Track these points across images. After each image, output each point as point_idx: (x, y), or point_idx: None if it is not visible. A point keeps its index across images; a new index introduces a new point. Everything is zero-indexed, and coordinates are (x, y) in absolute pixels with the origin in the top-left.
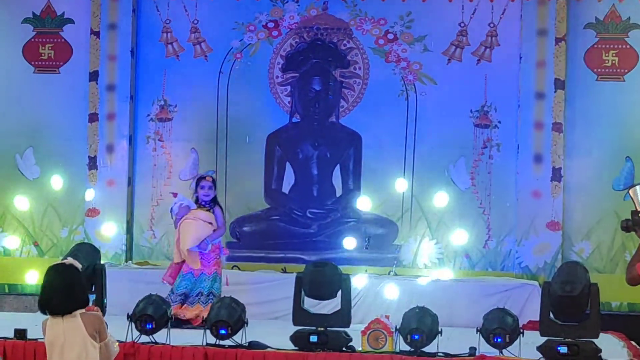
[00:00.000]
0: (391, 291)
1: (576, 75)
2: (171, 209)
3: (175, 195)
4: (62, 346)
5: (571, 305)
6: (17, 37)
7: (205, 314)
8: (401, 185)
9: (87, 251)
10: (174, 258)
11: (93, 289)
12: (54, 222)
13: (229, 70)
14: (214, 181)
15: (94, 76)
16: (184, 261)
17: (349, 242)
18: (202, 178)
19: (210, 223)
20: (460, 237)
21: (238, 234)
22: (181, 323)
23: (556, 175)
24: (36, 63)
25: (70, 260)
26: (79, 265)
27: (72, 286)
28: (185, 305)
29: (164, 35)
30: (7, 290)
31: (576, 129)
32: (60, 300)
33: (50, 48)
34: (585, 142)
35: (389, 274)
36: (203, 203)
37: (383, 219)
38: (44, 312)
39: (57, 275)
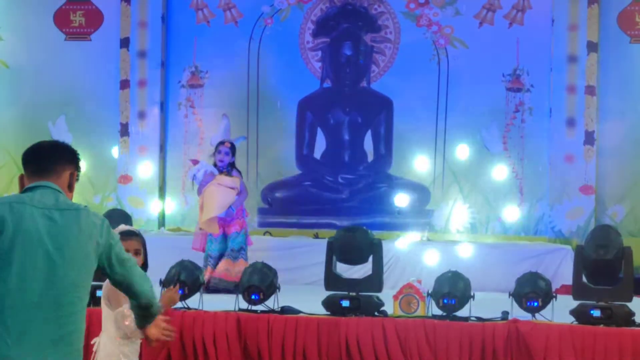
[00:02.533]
0: (424, 256)
1: (609, 38)
2: (194, 175)
3: (195, 162)
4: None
5: (604, 268)
6: (48, 4)
7: (235, 269)
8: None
9: (118, 217)
10: (200, 224)
11: None
12: (87, 189)
13: (259, 36)
14: (232, 147)
15: (125, 43)
16: None
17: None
18: (221, 143)
19: (234, 188)
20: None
21: (270, 200)
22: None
23: (589, 138)
24: (67, 30)
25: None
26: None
27: None
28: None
29: (195, 2)
30: None
31: (609, 92)
32: None
33: (81, 15)
34: (619, 105)
35: (421, 238)
36: (220, 168)
37: (415, 184)
38: None
39: None
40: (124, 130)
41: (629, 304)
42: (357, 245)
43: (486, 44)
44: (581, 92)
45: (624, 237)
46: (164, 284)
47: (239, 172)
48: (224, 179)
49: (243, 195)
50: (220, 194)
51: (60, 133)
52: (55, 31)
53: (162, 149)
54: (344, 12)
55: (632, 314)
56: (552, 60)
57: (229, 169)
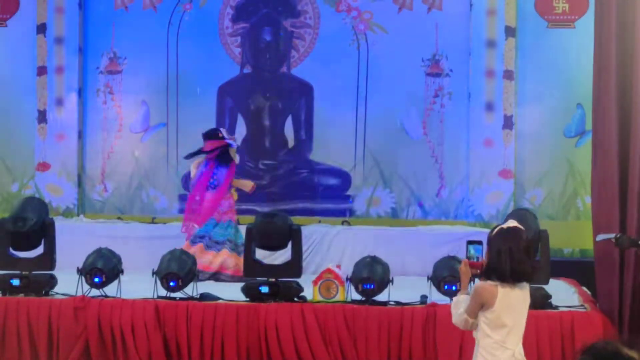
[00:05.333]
0: (344, 241)
1: (527, 23)
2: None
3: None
4: None
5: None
6: None
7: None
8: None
9: (35, 205)
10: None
11: (42, 244)
12: (4, 177)
13: (178, 22)
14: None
15: (41, 29)
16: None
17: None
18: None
19: None
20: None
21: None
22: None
23: (508, 123)
24: None
25: None
26: None
27: None
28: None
29: None
30: None
31: (527, 77)
32: None
33: None
34: (537, 89)
35: (342, 224)
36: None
37: (336, 170)
38: None
39: None
40: (42, 117)
41: (545, 287)
42: (275, 231)
43: (405, 29)
44: (499, 77)
45: (542, 220)
46: (81, 271)
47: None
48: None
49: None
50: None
51: None
52: None
53: (81, 135)
54: None
55: (549, 296)
56: (470, 45)
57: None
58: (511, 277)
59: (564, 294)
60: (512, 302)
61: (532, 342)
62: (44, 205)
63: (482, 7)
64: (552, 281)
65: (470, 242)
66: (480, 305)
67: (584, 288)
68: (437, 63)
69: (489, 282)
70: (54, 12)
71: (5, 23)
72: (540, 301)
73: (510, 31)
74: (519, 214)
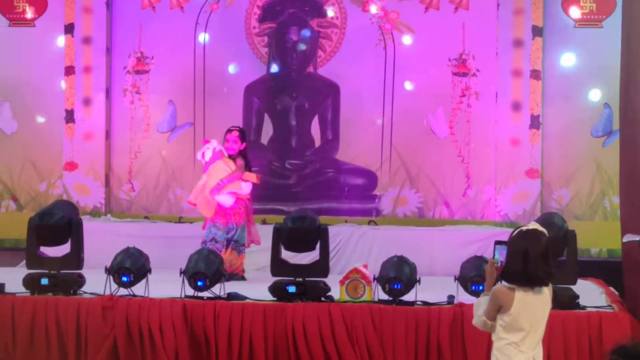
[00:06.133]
0: (371, 241)
1: (554, 22)
2: (202, 153)
3: (207, 141)
4: None
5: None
6: None
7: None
8: None
9: (64, 204)
10: (191, 197)
11: (70, 242)
12: (32, 177)
13: (205, 21)
14: (241, 134)
15: (69, 29)
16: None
17: None
18: (228, 131)
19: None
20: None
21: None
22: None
23: (535, 122)
24: (11, 16)
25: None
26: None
27: None
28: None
29: None
30: None
31: (554, 76)
32: None
33: (24, 1)
34: (564, 89)
35: (368, 223)
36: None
37: (362, 169)
38: None
39: None
40: (69, 117)
41: (573, 287)
42: (304, 235)
43: (432, 29)
44: (526, 77)
45: (569, 220)
46: (110, 270)
47: (244, 159)
48: (230, 163)
49: (235, 173)
50: (223, 173)
51: (5, 120)
52: None
53: (108, 135)
54: None
55: (576, 296)
56: (497, 44)
57: (235, 155)
58: (524, 280)
59: (592, 294)
60: (530, 305)
61: (560, 342)
62: (73, 206)
63: (509, 7)
64: (579, 281)
65: (498, 243)
66: (497, 308)
67: (612, 288)
68: (464, 63)
69: (507, 285)
70: (81, 12)
71: (34, 23)
72: (568, 301)
73: (537, 31)
74: (546, 216)
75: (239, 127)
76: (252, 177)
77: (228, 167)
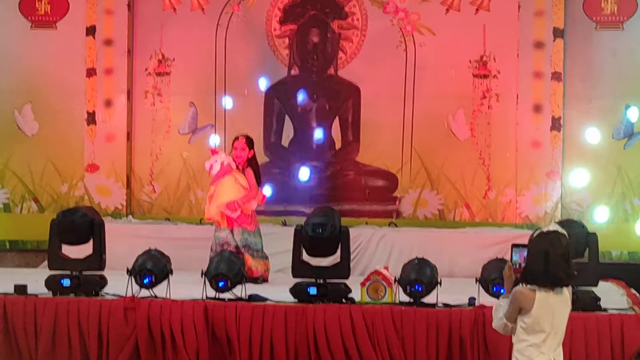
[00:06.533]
0: (391, 243)
1: (575, 24)
2: (210, 165)
3: (214, 152)
4: None
5: None
6: None
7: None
8: None
9: (86, 207)
10: (206, 214)
11: (92, 242)
12: (54, 178)
13: (226, 23)
14: (248, 142)
15: (91, 31)
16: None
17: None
18: (235, 139)
19: (246, 188)
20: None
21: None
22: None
23: (555, 124)
24: (33, 18)
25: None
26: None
27: None
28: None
29: None
30: (7, 247)
31: (575, 78)
32: None
33: (46, 3)
34: (585, 91)
35: (389, 225)
36: (238, 164)
37: (383, 171)
38: None
39: None
40: (91, 119)
41: (594, 289)
42: (325, 242)
43: (453, 31)
44: (547, 78)
45: (590, 223)
46: (131, 272)
47: (254, 169)
48: (240, 178)
49: (250, 193)
50: (234, 192)
51: (27, 122)
52: (21, 19)
53: (129, 137)
54: None
55: (598, 298)
56: (518, 46)
57: (244, 165)
58: (545, 281)
59: (613, 296)
60: (551, 307)
61: (581, 344)
62: (95, 210)
63: (530, 8)
64: (600, 283)
65: (515, 246)
66: (518, 309)
67: (633, 290)
68: (484, 64)
69: (527, 287)
70: (103, 14)
71: (55, 25)
72: (589, 304)
73: (558, 32)
74: (567, 220)
75: (246, 134)
76: (260, 197)
77: (238, 184)
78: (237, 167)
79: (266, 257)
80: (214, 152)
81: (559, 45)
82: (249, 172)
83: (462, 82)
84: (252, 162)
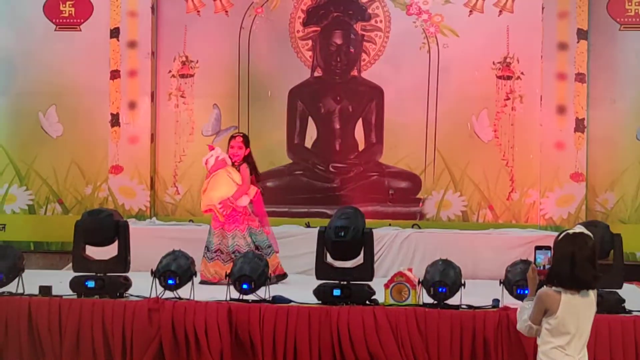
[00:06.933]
0: (414, 245)
1: (599, 25)
2: (206, 160)
3: (212, 148)
4: None
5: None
6: None
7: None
8: None
9: (111, 210)
10: (202, 207)
11: (117, 244)
12: (78, 180)
13: (249, 25)
14: (244, 140)
15: (114, 33)
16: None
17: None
18: (232, 137)
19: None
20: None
21: (261, 189)
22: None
23: (579, 126)
24: (57, 20)
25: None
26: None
27: None
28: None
29: None
30: (32, 248)
31: (599, 80)
32: None
33: (70, 5)
34: (609, 92)
35: (412, 227)
36: (234, 162)
37: (406, 173)
38: None
39: None
40: (115, 121)
41: (619, 291)
42: (347, 245)
43: (476, 32)
44: (571, 80)
45: (615, 224)
46: (155, 274)
47: (249, 165)
48: (234, 173)
49: (241, 188)
50: (226, 185)
51: (51, 124)
52: (45, 22)
53: (153, 138)
54: (334, 1)
55: (622, 300)
56: (542, 47)
57: (240, 162)
58: (571, 284)
59: (638, 298)
60: (576, 309)
61: (605, 347)
62: (119, 213)
63: (553, 10)
64: (625, 285)
65: (538, 248)
66: (543, 311)
67: None
68: (508, 66)
69: (553, 288)
70: (127, 16)
71: (79, 27)
72: (614, 305)
73: (582, 34)
74: (590, 222)
75: (242, 133)
76: (252, 193)
77: (230, 178)
78: (233, 164)
79: (273, 250)
80: (211, 147)
81: (583, 47)
82: (244, 167)
83: (486, 83)
84: (248, 159)
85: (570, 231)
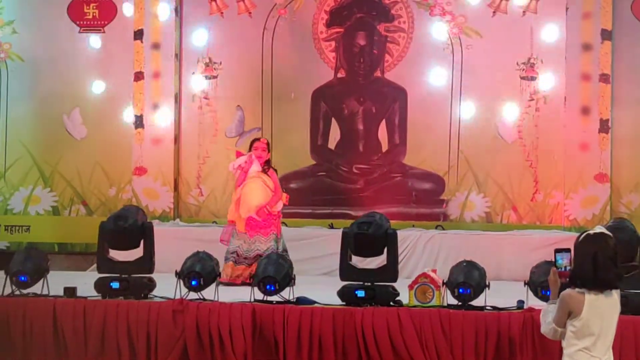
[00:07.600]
0: (439, 245)
1: (623, 26)
2: (239, 165)
3: (239, 154)
4: None
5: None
6: None
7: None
8: None
9: (134, 209)
10: (229, 215)
11: (141, 246)
12: (102, 182)
13: (273, 27)
14: (267, 144)
15: (138, 35)
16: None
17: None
18: (255, 140)
19: (271, 189)
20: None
21: (285, 190)
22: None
23: (604, 127)
24: (81, 22)
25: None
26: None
27: None
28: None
29: None
30: (56, 249)
31: (623, 80)
32: None
33: (94, 7)
34: (633, 92)
35: (436, 228)
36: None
37: (430, 174)
38: None
39: None
40: (139, 122)
41: None
42: (370, 240)
43: (500, 33)
44: (595, 80)
45: (638, 226)
46: (180, 275)
47: (275, 170)
48: (264, 177)
49: (276, 196)
50: (263, 192)
51: (75, 126)
52: (69, 24)
53: (177, 140)
54: (358, 2)
55: None
56: (566, 48)
57: (264, 167)
58: (594, 284)
59: None
60: (600, 309)
61: (631, 348)
62: (143, 211)
63: (577, 10)
64: None
65: (557, 251)
66: (567, 313)
67: None
68: (532, 66)
69: (576, 290)
70: (150, 18)
71: (104, 29)
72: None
73: (606, 34)
74: (616, 220)
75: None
76: (284, 197)
77: (266, 186)
78: (264, 169)
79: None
80: (239, 154)
81: (607, 47)
82: (273, 173)
83: (509, 84)
84: (270, 163)
85: (591, 232)
